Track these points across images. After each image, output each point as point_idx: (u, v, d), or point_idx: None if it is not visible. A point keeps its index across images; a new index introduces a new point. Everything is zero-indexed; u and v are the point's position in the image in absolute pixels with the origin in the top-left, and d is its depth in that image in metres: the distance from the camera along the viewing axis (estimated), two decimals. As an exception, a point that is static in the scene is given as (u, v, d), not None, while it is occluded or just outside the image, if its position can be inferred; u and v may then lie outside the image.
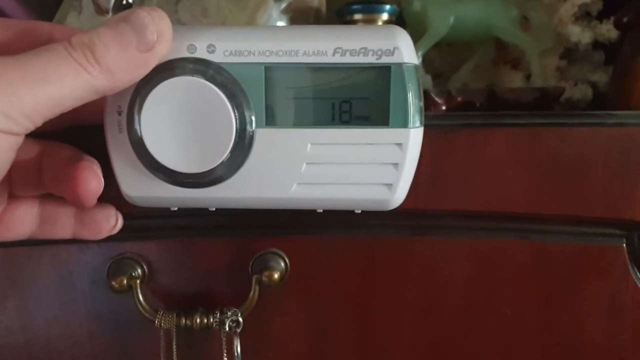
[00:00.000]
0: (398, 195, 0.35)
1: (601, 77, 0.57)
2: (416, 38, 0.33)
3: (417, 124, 0.33)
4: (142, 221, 0.40)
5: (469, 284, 0.41)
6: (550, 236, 0.40)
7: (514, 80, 0.59)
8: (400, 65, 0.32)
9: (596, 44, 0.57)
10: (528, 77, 0.59)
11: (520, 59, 0.61)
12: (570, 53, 0.59)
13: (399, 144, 0.33)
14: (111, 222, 0.37)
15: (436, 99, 0.49)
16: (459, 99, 0.50)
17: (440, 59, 0.64)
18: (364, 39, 0.32)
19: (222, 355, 0.41)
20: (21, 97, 0.26)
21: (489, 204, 0.39)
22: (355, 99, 0.33)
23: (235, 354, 0.40)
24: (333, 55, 0.32)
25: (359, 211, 0.36)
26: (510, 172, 0.39)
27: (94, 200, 0.33)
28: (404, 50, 0.32)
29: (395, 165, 0.34)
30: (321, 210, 0.36)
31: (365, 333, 0.42)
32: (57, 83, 0.27)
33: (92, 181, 0.32)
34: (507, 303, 0.42)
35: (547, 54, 0.57)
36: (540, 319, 0.42)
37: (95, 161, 0.34)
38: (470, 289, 0.41)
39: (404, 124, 0.33)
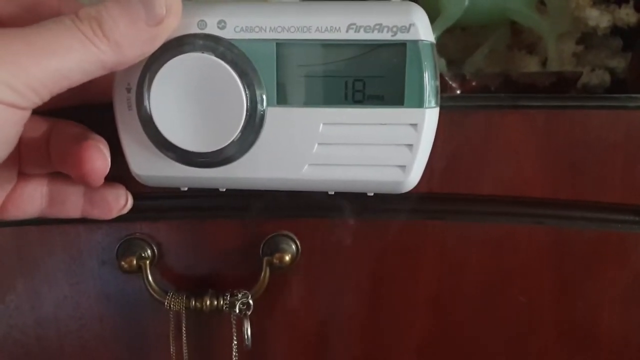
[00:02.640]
0: (412, 178, 0.33)
1: (619, 63, 0.55)
2: (429, 21, 0.31)
3: (433, 104, 0.32)
4: (153, 201, 0.39)
5: (483, 270, 0.40)
6: (567, 222, 0.39)
7: (529, 66, 0.57)
8: (416, 42, 0.31)
9: (614, 31, 0.55)
10: (543, 62, 0.57)
11: (536, 44, 0.59)
12: (587, 38, 0.57)
13: (414, 125, 0.32)
14: (121, 201, 0.36)
15: (450, 82, 0.47)
16: (474, 83, 0.48)
17: (454, 45, 0.62)
18: (379, 15, 0.30)
19: (232, 337, 0.40)
20: (26, 68, 0.25)
21: (504, 188, 0.38)
22: (369, 78, 0.32)
23: (245, 336, 0.39)
24: (347, 31, 0.31)
25: (372, 194, 0.35)
26: (527, 156, 0.37)
27: (100, 180, 0.32)
28: (420, 27, 0.30)
29: (410, 146, 0.32)
30: (332, 193, 0.35)
31: (376, 318, 0.41)
32: (63, 55, 0.26)
33: (98, 160, 0.31)
34: (522, 290, 0.40)
35: (564, 39, 0.55)
36: (556, 307, 0.40)
37: (102, 139, 0.33)
38: (484, 276, 0.40)
39: (420, 104, 0.31)
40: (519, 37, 0.60)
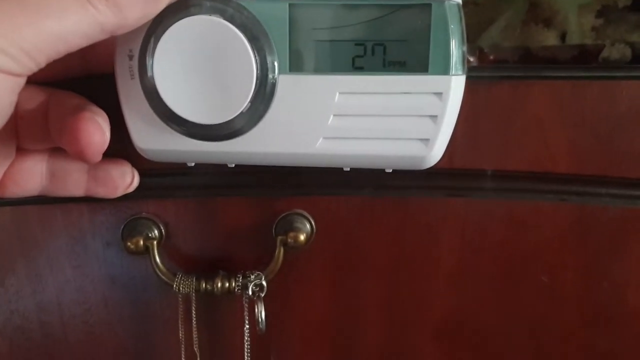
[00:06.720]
0: (435, 152, 0.30)
1: (639, 38, 0.53)
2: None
3: (460, 71, 0.29)
4: (159, 179, 0.36)
5: (504, 249, 0.38)
6: (592, 199, 0.37)
7: (547, 40, 0.54)
8: (442, 3, 0.28)
9: (633, 5, 0.52)
10: (562, 37, 0.54)
11: (553, 18, 0.56)
12: (606, 12, 0.54)
13: (439, 94, 0.29)
14: (127, 179, 0.34)
15: (468, 56, 0.45)
16: (491, 57, 0.46)
17: (467, 20, 0.59)
18: None
19: (244, 321, 0.38)
20: (20, 31, 0.23)
21: (528, 163, 0.36)
22: (390, 42, 0.28)
23: (259, 319, 0.37)
24: None
25: (390, 170, 0.32)
26: (552, 129, 0.35)
27: (98, 156, 0.29)
28: None
29: (434, 117, 0.29)
30: (348, 169, 0.33)
31: (394, 299, 0.39)
32: (59, 17, 0.24)
33: (95, 134, 0.28)
34: (545, 269, 0.39)
35: (583, 13, 0.53)
36: (580, 287, 0.39)
37: (102, 112, 0.30)
38: (505, 254, 0.38)
39: (445, 71, 0.28)
40: (535, 11, 0.57)
